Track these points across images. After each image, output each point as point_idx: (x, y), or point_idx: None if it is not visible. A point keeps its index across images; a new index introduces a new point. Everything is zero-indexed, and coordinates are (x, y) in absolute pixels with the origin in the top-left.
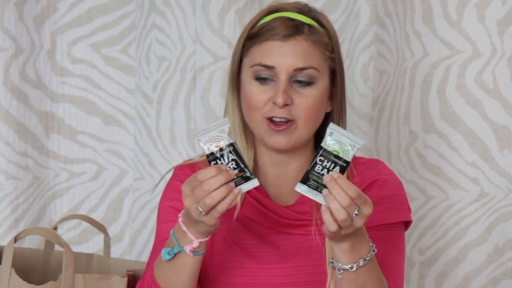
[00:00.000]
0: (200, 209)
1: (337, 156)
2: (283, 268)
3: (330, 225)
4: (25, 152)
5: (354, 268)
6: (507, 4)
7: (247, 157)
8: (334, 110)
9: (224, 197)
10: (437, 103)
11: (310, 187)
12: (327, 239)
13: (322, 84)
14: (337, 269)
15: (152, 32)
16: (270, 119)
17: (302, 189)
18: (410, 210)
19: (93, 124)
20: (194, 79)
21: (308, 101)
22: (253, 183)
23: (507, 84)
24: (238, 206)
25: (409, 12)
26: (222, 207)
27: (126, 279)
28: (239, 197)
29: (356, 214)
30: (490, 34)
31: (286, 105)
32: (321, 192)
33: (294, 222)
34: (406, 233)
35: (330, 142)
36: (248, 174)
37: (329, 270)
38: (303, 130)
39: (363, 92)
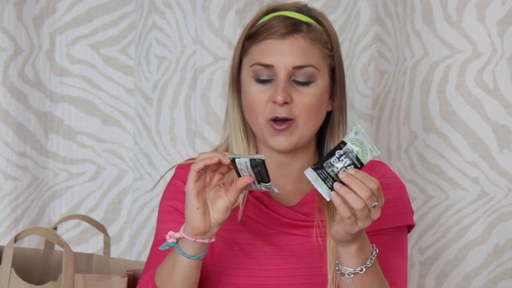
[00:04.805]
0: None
1: (356, 157)
2: (285, 270)
3: (343, 212)
4: (24, 152)
5: (364, 269)
6: (507, 4)
7: None
8: (334, 109)
9: (214, 158)
10: (437, 103)
11: (319, 176)
12: (328, 242)
13: (322, 82)
14: (346, 274)
15: (152, 32)
16: (273, 120)
17: (311, 175)
18: (413, 213)
19: (92, 124)
20: (194, 79)
21: (308, 100)
22: (273, 187)
23: (507, 84)
24: (241, 208)
25: (409, 12)
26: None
27: (126, 279)
28: (241, 198)
29: (374, 206)
30: (490, 34)
31: (286, 103)
32: (326, 184)
33: (296, 222)
34: None
35: (354, 140)
36: (269, 182)
37: (330, 274)
38: (304, 129)
39: (364, 92)
